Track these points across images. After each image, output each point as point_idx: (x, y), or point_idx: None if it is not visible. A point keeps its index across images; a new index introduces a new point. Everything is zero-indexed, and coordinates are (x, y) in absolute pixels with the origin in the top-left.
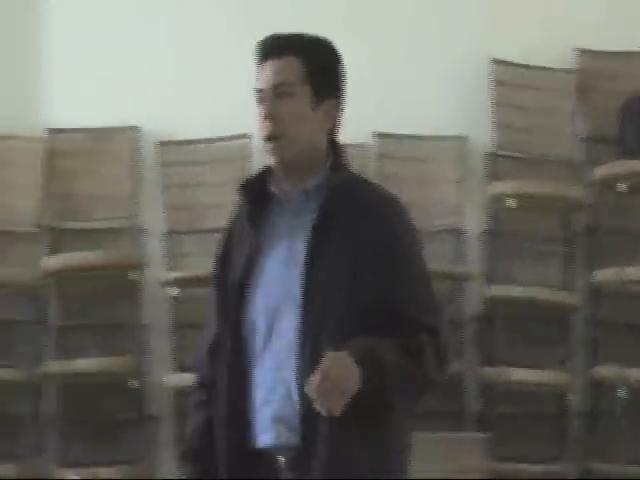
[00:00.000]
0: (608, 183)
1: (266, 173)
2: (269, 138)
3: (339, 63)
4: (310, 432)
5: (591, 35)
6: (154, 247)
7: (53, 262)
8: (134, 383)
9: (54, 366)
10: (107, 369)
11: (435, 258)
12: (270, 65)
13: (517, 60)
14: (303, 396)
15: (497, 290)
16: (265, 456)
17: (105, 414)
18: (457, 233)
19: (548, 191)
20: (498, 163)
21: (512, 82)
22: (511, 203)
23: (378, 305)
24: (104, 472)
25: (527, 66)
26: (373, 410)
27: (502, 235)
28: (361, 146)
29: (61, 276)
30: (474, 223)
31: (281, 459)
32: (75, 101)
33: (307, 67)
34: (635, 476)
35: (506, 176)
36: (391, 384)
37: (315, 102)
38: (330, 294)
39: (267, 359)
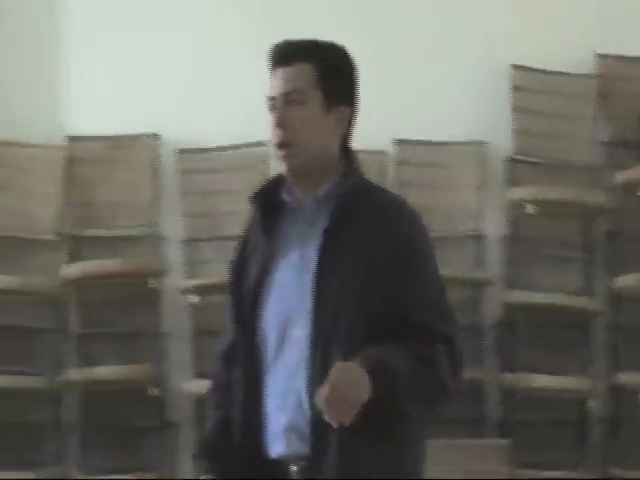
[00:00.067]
0: (629, 188)
1: (278, 181)
2: (280, 145)
3: (352, 69)
4: (320, 442)
5: (611, 40)
6: (173, 255)
7: (73, 270)
8: (154, 390)
9: (75, 374)
10: (127, 377)
11: (455, 264)
12: (281, 72)
13: (536, 65)
14: (313, 406)
15: (517, 296)
16: (278, 464)
17: (125, 421)
18: (477, 239)
19: (568, 196)
20: (518, 168)
21: (531, 87)
22: (531, 209)
23: (390, 313)
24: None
25: (547, 71)
26: (386, 419)
27: (522, 240)
28: (380, 153)
29: (81, 284)
30: (494, 229)
31: (293, 468)
32: (95, 109)
33: (318, 74)
34: None
35: (526, 182)
36: (404, 393)
37: (326, 109)
38: (342, 300)
39: (279, 367)
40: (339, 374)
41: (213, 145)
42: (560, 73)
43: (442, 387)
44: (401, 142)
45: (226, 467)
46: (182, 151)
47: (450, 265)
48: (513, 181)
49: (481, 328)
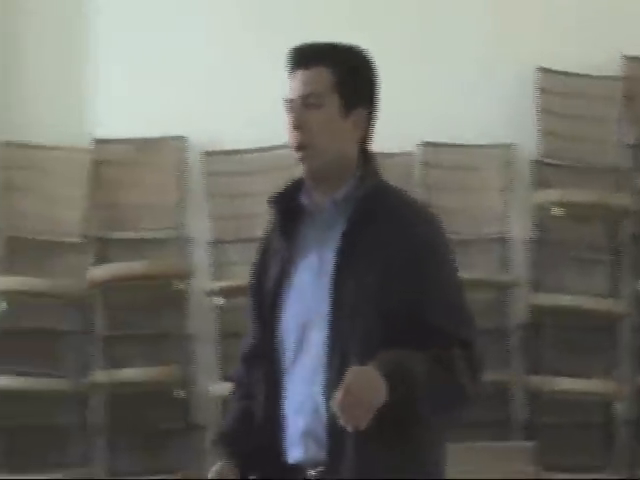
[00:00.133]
0: None
1: (297, 185)
2: (297, 148)
3: (371, 72)
4: (337, 447)
5: (637, 42)
6: (200, 257)
7: (99, 272)
8: (180, 393)
9: (101, 376)
10: (153, 379)
11: (481, 266)
12: (299, 75)
13: (562, 67)
14: (329, 410)
15: (543, 298)
16: (295, 469)
17: (151, 423)
18: (503, 241)
19: (594, 199)
20: (544, 171)
21: (557, 90)
22: (557, 211)
23: (408, 316)
24: None
25: (572, 74)
26: (404, 424)
27: (548, 243)
28: (407, 155)
29: (107, 286)
30: (520, 231)
31: (312, 473)
32: (121, 111)
33: (336, 77)
34: None
35: (552, 184)
36: (421, 397)
37: (344, 112)
38: (358, 303)
39: (298, 370)
40: (354, 378)
41: (239, 147)
42: (586, 75)
43: (460, 391)
44: (427, 144)
45: (244, 454)
46: (208, 153)
47: (476, 267)
48: (539, 183)
49: (507, 330)
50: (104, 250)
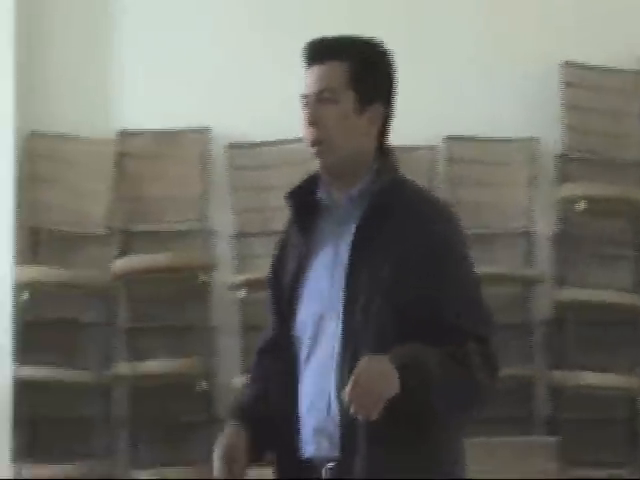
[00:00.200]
0: None
1: (314, 180)
2: (313, 143)
3: (388, 66)
4: (349, 445)
5: None
6: (223, 249)
7: (123, 264)
8: (203, 385)
9: (124, 368)
10: (176, 371)
11: (505, 261)
12: (315, 70)
13: (587, 62)
14: (342, 405)
15: (567, 293)
16: (310, 465)
17: (174, 416)
18: (527, 236)
19: (618, 194)
20: (568, 165)
21: (582, 84)
22: (581, 206)
23: (423, 313)
24: (173, 473)
25: (597, 68)
26: (420, 422)
27: (572, 238)
28: (431, 149)
29: (131, 278)
30: (544, 226)
31: (324, 469)
32: (145, 103)
33: (351, 72)
34: None
35: (576, 178)
36: (436, 391)
37: (359, 107)
38: (372, 297)
39: (313, 364)
40: (365, 367)
41: (263, 140)
42: (611, 70)
43: (477, 387)
44: (452, 139)
45: (258, 428)
46: (232, 146)
47: (500, 262)
48: (564, 178)
49: (530, 325)
50: (128, 242)
